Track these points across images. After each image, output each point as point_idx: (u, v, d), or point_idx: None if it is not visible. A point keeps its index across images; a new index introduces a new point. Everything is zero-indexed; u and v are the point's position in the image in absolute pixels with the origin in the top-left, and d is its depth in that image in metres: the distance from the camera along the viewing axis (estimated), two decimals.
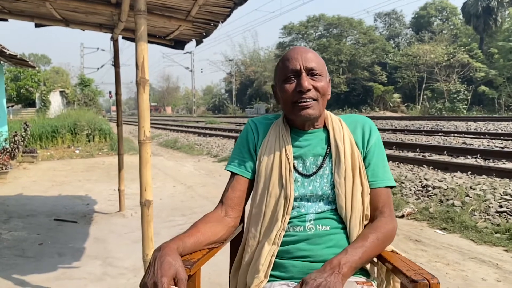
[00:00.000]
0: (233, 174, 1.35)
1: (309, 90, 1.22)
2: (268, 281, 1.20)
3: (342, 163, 1.24)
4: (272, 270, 1.21)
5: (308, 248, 1.19)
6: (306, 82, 1.22)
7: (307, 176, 1.26)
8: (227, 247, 1.42)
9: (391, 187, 1.28)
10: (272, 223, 1.23)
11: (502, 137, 10.29)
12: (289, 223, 1.23)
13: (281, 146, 1.29)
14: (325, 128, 1.33)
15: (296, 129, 1.33)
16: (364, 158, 1.29)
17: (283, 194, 1.24)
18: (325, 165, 1.27)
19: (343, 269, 1.04)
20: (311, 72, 1.24)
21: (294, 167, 1.28)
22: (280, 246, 1.21)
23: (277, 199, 1.24)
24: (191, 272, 1.06)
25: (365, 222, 1.25)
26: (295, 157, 1.29)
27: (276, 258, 1.21)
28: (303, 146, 1.30)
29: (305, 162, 1.28)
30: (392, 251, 1.21)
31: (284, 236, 1.22)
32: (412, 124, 17.11)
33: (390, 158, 7.67)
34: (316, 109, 1.25)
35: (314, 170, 1.27)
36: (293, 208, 1.24)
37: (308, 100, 1.23)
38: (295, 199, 1.24)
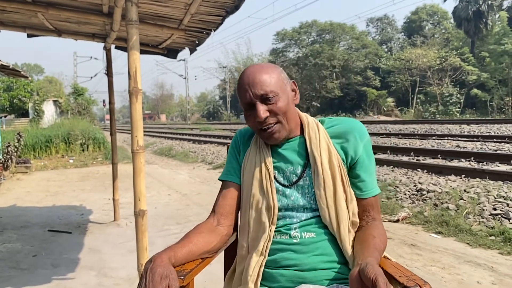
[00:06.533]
0: (224, 182, 1.36)
1: (266, 117, 1.21)
2: None
3: (320, 174, 1.22)
4: (261, 281, 1.21)
5: (295, 257, 1.19)
6: (261, 111, 1.19)
7: (288, 186, 1.26)
8: (221, 255, 1.41)
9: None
10: (259, 234, 1.24)
11: (495, 140, 10.35)
12: (275, 231, 1.24)
13: (261, 157, 1.30)
14: (302, 134, 1.30)
15: None
16: (353, 168, 1.26)
17: (265, 205, 1.25)
18: (305, 175, 1.26)
19: None
20: (264, 98, 1.20)
21: (275, 178, 1.28)
22: (268, 256, 1.22)
23: (259, 210, 1.25)
24: (185, 283, 1.06)
25: (355, 229, 1.25)
26: (275, 168, 1.29)
27: (265, 268, 1.22)
28: (282, 156, 1.30)
29: (285, 172, 1.28)
30: (384, 256, 1.21)
31: (271, 244, 1.23)
32: (406, 128, 17.15)
33: (384, 162, 7.71)
34: (282, 130, 1.24)
35: (295, 180, 1.26)
36: (278, 219, 1.24)
37: (270, 126, 1.22)
38: (279, 210, 1.25)
